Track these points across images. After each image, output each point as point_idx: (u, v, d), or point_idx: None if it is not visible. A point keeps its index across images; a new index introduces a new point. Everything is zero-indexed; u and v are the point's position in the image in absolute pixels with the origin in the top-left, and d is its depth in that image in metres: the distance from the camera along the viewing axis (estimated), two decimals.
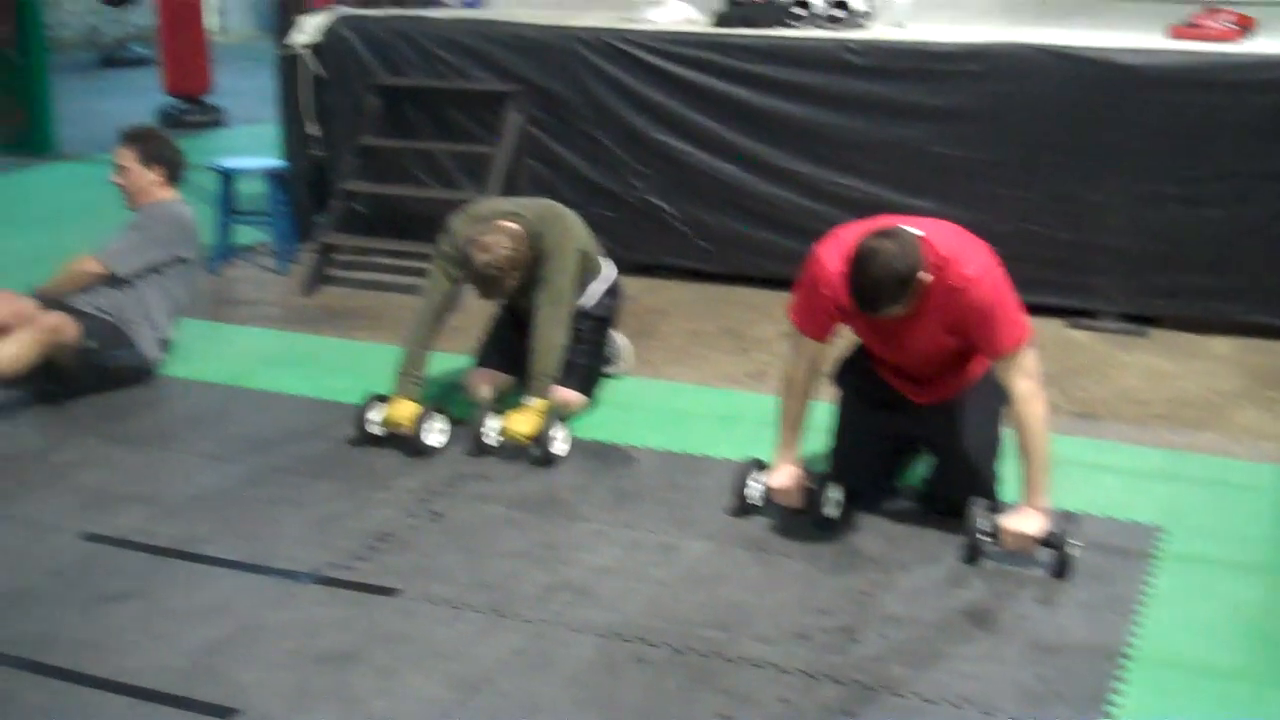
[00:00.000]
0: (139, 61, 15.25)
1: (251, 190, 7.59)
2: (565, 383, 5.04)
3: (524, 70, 7.10)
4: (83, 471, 4.65)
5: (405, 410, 4.79)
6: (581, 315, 5.13)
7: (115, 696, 3.33)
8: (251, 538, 4.15)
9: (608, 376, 5.50)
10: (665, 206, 7.02)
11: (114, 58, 15.69)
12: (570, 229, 5.02)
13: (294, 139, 7.69)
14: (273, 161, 7.54)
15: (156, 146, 5.58)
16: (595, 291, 5.22)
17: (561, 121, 7.11)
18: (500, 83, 7.13)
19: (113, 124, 9.58)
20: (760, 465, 4.32)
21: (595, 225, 6.79)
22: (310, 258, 7.09)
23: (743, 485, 4.29)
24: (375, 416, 4.84)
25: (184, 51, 11.38)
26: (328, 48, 7.46)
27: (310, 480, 4.58)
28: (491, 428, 4.76)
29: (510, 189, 7.07)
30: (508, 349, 5.16)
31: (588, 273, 5.14)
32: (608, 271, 5.32)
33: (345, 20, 7.46)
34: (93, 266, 5.33)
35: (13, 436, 4.95)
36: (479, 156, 7.10)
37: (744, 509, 4.30)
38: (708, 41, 6.88)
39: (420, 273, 7.07)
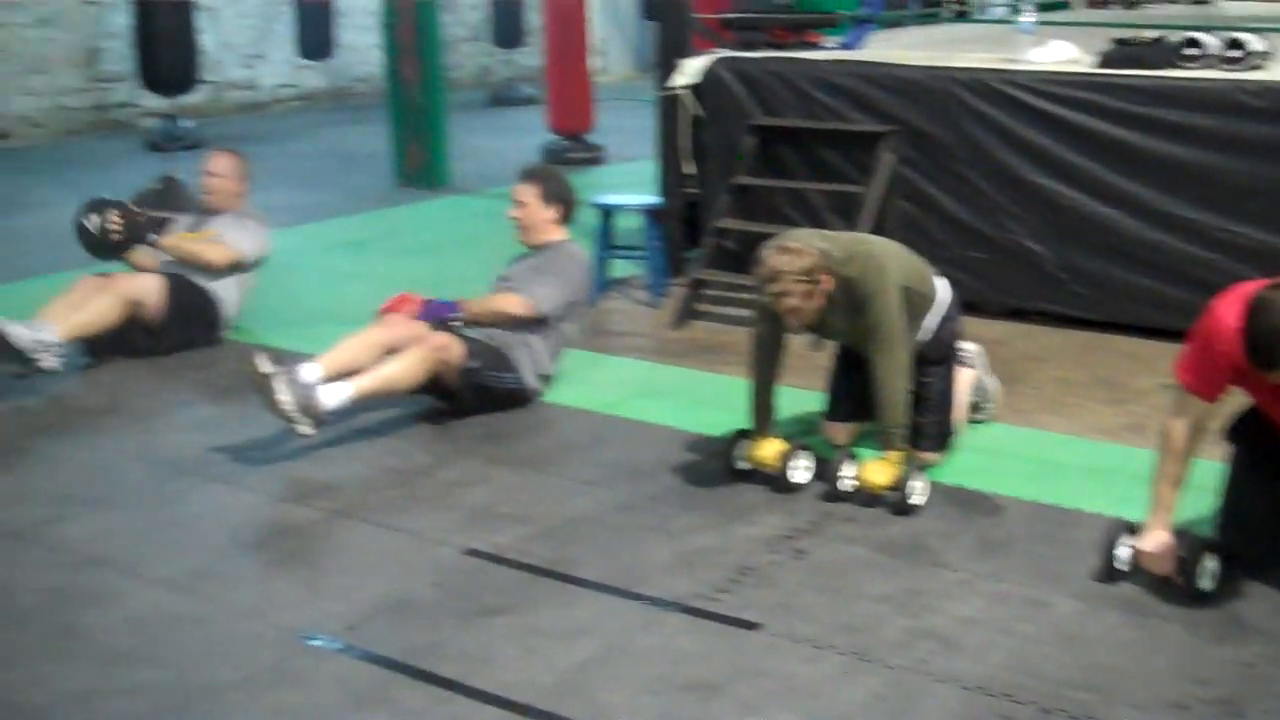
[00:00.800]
0: (525, 100, 15.99)
1: (627, 225, 7.84)
2: (919, 445, 4.95)
3: (898, 111, 7.07)
4: (466, 489, 4.91)
5: (771, 448, 4.83)
6: (922, 363, 4.95)
7: (487, 707, 3.49)
8: (621, 562, 4.28)
9: (979, 420, 5.41)
10: (1040, 250, 6.83)
11: (502, 97, 16.50)
12: (885, 269, 4.78)
13: (670, 177, 7.90)
14: (649, 198, 7.77)
15: (556, 186, 5.85)
16: (929, 326, 5.00)
17: (934, 162, 7.04)
18: (874, 123, 7.13)
19: (500, 160, 10.07)
20: (1130, 528, 4.11)
21: (965, 267, 6.75)
22: (681, 292, 7.26)
23: (1110, 549, 4.11)
24: (741, 452, 4.91)
25: (569, 91, 11.86)
26: (706, 88, 7.63)
27: (678, 510, 4.68)
28: (847, 475, 4.75)
29: (879, 228, 7.02)
30: (853, 396, 5.08)
31: (917, 308, 4.91)
32: (941, 295, 5.07)
33: (724, 62, 7.62)
34: (516, 308, 5.60)
35: (404, 453, 5.27)
36: (850, 196, 7.11)
37: (1111, 574, 4.10)
38: (1092, 83, 6.67)
39: None
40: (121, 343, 6.31)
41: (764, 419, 4.92)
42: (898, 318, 4.74)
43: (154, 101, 13.33)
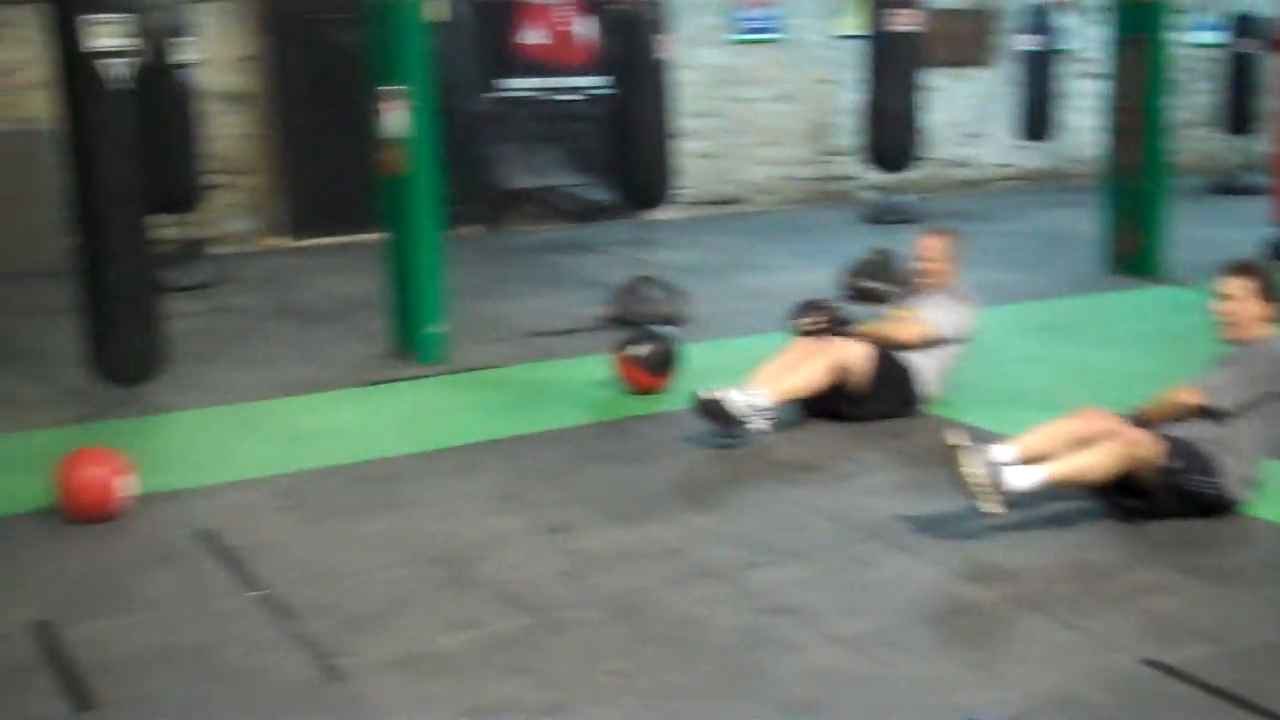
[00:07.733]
0: (1253, 190, 15.11)
1: None
2: None
3: None
4: (1152, 596, 4.71)
5: None
6: None
7: None
8: None
9: None
10: None
11: (1227, 185, 15.68)
12: None
13: None
14: None
15: (1268, 281, 5.50)
16: None
17: None
18: None
19: (1218, 252, 9.57)
20: None
21: None
22: None
23: None
24: None
25: None
26: None
27: None
28: None
29: None
30: None
31: None
32: None
33: None
34: (1191, 398, 5.38)
35: (1090, 548, 5.14)
36: None
37: None
38: None
39: None
40: (825, 406, 6.65)
41: None
42: None
43: (875, 176, 13.89)
